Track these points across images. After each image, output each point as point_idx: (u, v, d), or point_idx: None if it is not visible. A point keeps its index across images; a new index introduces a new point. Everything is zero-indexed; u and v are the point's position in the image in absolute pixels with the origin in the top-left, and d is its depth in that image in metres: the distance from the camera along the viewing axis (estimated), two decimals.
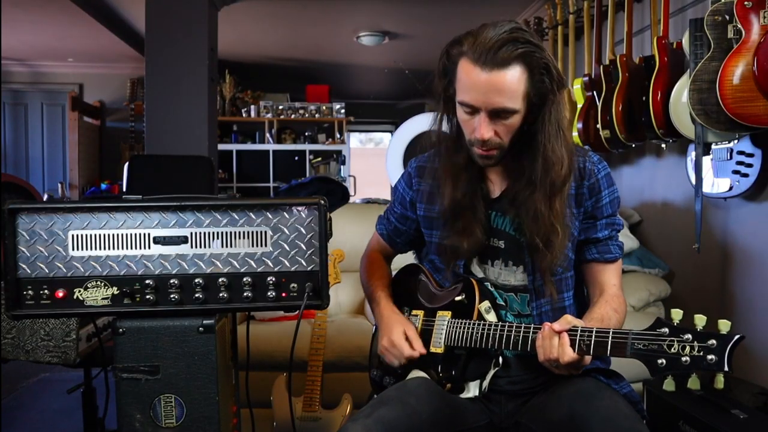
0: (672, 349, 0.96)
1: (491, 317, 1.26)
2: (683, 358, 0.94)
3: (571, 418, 1.12)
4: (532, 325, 1.17)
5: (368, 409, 1.15)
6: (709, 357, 0.92)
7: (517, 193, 1.25)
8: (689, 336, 0.95)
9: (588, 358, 1.10)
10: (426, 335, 1.33)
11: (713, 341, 0.93)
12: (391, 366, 1.39)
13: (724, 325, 0.95)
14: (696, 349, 0.94)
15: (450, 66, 1.21)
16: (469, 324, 1.25)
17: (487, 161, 1.23)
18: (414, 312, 1.39)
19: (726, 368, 0.91)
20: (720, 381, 0.94)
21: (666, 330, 0.98)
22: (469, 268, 1.34)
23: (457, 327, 1.27)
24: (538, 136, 1.19)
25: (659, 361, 0.96)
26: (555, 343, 1.08)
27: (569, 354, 1.07)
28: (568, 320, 1.11)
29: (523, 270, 1.30)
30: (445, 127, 1.31)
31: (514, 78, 1.12)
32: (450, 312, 1.30)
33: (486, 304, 1.27)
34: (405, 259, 1.61)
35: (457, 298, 1.30)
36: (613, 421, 1.08)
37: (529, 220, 1.22)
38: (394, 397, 1.19)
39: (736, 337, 0.92)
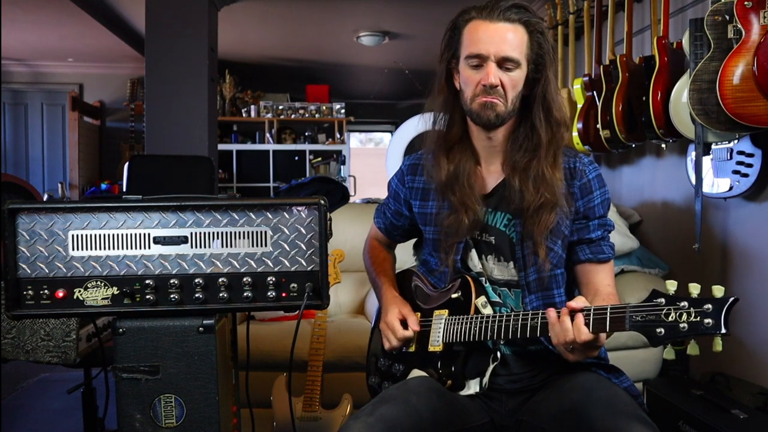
0: (670, 318, 0.97)
1: (488, 311, 1.26)
2: (681, 325, 0.95)
3: (572, 408, 1.13)
4: (530, 312, 1.16)
5: (370, 408, 1.16)
6: (706, 321, 0.94)
7: (517, 161, 1.27)
8: (685, 303, 0.96)
9: (603, 337, 1.09)
10: (424, 335, 1.33)
11: (709, 305, 0.94)
12: (390, 369, 1.39)
13: (718, 291, 0.96)
14: (693, 315, 0.95)
15: (455, 35, 1.28)
16: (467, 319, 1.25)
17: (489, 111, 1.24)
18: None
19: (723, 330, 0.92)
20: (718, 344, 0.95)
21: (662, 300, 0.99)
22: (466, 262, 1.34)
23: (454, 323, 1.27)
24: (547, 95, 1.27)
25: (658, 330, 0.97)
26: (568, 326, 1.07)
27: (585, 333, 1.05)
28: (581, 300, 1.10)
29: (514, 266, 1.30)
30: (440, 119, 1.35)
31: (517, 34, 1.23)
32: (447, 310, 1.31)
33: (483, 299, 1.27)
34: (405, 259, 1.61)
35: (453, 296, 1.30)
36: (613, 407, 1.09)
37: (530, 183, 1.24)
38: (396, 396, 1.19)
39: (731, 299, 0.94)
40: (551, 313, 1.10)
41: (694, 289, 0.98)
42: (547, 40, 1.27)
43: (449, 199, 1.31)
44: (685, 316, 0.96)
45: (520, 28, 1.23)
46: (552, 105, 1.27)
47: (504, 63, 1.22)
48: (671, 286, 1.01)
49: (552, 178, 1.24)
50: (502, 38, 1.21)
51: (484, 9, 1.24)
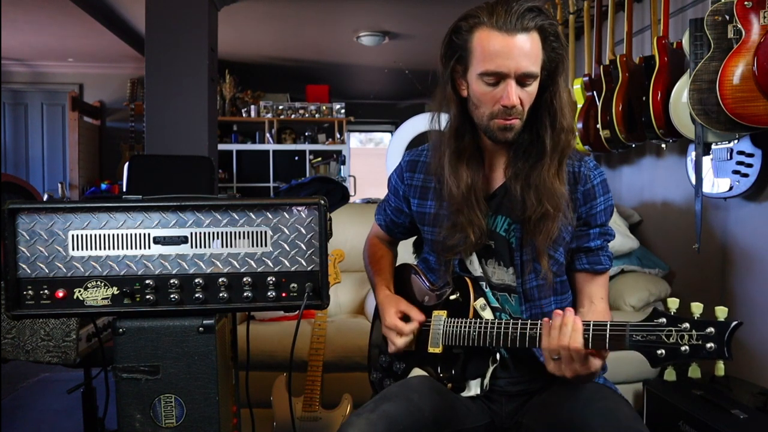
0: (671, 339, 0.95)
1: (487, 314, 1.25)
2: (682, 348, 0.94)
3: (571, 418, 1.12)
4: (529, 321, 1.15)
5: (372, 405, 1.16)
6: (708, 345, 0.92)
7: (520, 169, 1.23)
8: (687, 325, 0.94)
9: (596, 366, 1.06)
10: (423, 336, 1.33)
11: (711, 329, 0.92)
12: (391, 367, 1.39)
13: (721, 312, 0.94)
14: (695, 338, 0.93)
15: (460, 41, 1.18)
16: (466, 323, 1.24)
17: (508, 133, 1.19)
18: None
19: (726, 355, 0.90)
20: (720, 368, 0.94)
21: (664, 320, 0.97)
22: (465, 265, 1.32)
23: (453, 326, 1.26)
24: (555, 102, 1.21)
25: (659, 352, 0.95)
26: (568, 330, 1.05)
27: (578, 341, 1.03)
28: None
29: (513, 272, 1.29)
30: (444, 121, 1.28)
31: (534, 43, 1.15)
32: (445, 311, 1.30)
33: (481, 301, 1.26)
34: (406, 258, 1.61)
35: (452, 297, 1.29)
36: (614, 420, 1.07)
37: (532, 193, 1.20)
38: (398, 394, 1.20)
39: (734, 323, 0.91)
40: (555, 316, 1.08)
41: (696, 308, 0.96)
42: (561, 41, 1.19)
43: (457, 218, 1.26)
44: (686, 338, 0.93)
45: (536, 34, 1.14)
46: (558, 112, 1.21)
47: (523, 79, 1.15)
48: (673, 304, 1.00)
49: (555, 187, 1.19)
50: (522, 53, 1.12)
51: (496, 15, 1.13)
